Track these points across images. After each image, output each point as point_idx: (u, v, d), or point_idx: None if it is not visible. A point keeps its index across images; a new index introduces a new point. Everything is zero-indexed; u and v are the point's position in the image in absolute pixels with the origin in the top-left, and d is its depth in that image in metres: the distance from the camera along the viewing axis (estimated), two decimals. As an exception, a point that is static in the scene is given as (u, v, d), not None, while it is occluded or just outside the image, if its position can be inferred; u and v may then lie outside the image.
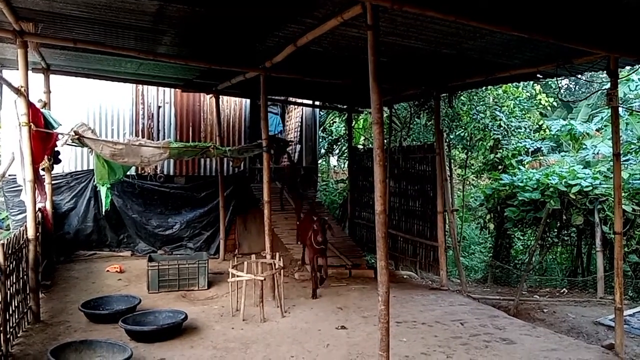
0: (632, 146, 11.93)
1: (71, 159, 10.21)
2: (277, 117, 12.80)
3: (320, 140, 15.97)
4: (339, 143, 17.70)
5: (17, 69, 6.30)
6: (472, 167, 16.21)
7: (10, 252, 5.37)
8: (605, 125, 13.47)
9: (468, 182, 17.46)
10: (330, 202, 15.98)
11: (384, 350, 4.53)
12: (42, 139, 6.75)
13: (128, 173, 9.21)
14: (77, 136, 6.90)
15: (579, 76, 7.78)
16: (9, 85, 6.07)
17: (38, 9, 5.55)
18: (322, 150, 17.44)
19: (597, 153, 12.88)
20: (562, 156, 14.25)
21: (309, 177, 12.49)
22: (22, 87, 6.13)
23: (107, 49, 6.88)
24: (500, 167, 13.48)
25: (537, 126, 14.89)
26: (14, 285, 5.60)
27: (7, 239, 5.47)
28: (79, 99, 10.18)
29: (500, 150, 13.54)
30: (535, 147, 14.81)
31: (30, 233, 6.23)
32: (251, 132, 11.62)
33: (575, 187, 9.35)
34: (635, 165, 11.02)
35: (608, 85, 6.38)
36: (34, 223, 6.32)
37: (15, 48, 6.20)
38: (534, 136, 14.81)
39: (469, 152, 14.81)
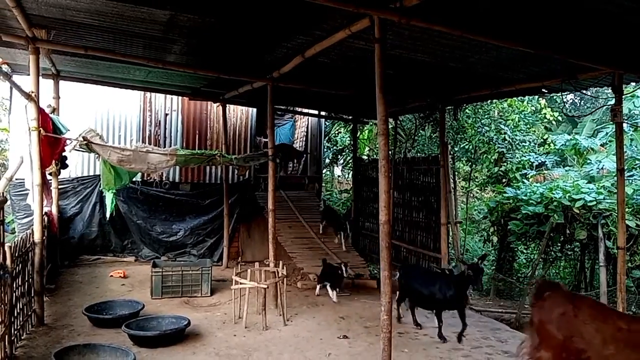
0: (637, 162, 11.91)
1: (78, 164, 10.29)
2: (288, 127, 12.83)
3: (325, 150, 16.03)
4: (344, 153, 17.75)
5: (28, 75, 6.40)
6: (476, 180, 16.21)
7: (17, 254, 5.42)
8: (609, 141, 13.48)
9: (472, 195, 17.44)
10: (334, 212, 15.99)
11: (386, 360, 4.55)
12: (51, 144, 6.84)
13: (134, 179, 9.29)
14: (85, 142, 6.97)
15: (584, 91, 7.84)
16: (20, 90, 6.16)
17: (51, 16, 5.65)
18: (327, 160, 17.48)
19: (602, 168, 12.86)
20: (566, 170, 14.22)
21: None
22: (32, 92, 6.22)
23: (117, 57, 6.99)
24: (504, 180, 13.49)
25: (542, 140, 14.90)
26: (20, 287, 5.65)
27: (15, 242, 5.53)
28: (88, 105, 10.29)
29: (505, 164, 13.56)
30: (540, 161, 14.81)
31: (37, 236, 6.29)
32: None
33: (579, 202, 9.34)
34: (640, 180, 11.01)
35: (613, 101, 6.42)
36: (41, 227, 6.38)
37: (27, 54, 6.30)
38: (538, 150, 14.82)
39: (473, 165, 14.82)
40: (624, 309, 5.99)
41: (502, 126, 13.19)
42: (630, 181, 10.79)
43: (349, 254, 10.42)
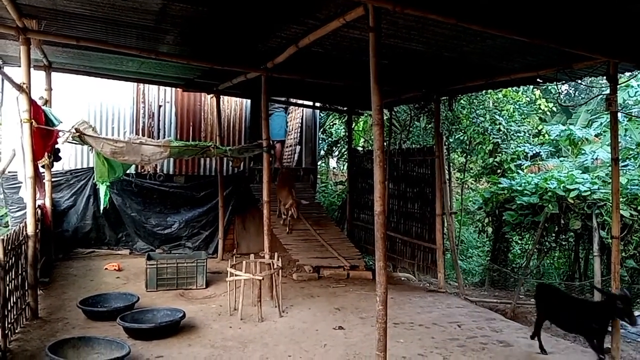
0: (631, 152, 11.95)
1: (71, 156, 10.22)
2: (284, 118, 12.69)
3: (320, 141, 16.00)
4: (339, 145, 17.73)
5: (20, 66, 6.32)
6: (471, 171, 16.24)
7: (10, 247, 5.38)
8: (604, 131, 13.50)
9: (467, 186, 17.48)
10: (329, 203, 15.99)
11: (382, 350, 4.55)
12: (43, 136, 6.78)
13: (127, 172, 9.23)
14: (78, 134, 6.90)
15: (579, 81, 7.82)
16: (11, 81, 6.09)
17: (41, 6, 5.57)
18: (322, 152, 17.46)
19: (596, 158, 12.90)
20: (560, 161, 14.26)
21: None
22: (24, 84, 6.14)
23: (109, 47, 6.91)
24: (499, 171, 13.51)
25: (537, 131, 14.93)
26: (13, 281, 5.61)
27: (7, 235, 5.48)
28: (80, 97, 10.20)
29: (500, 154, 13.57)
30: (534, 152, 14.86)
31: (30, 230, 6.23)
32: (251, 132, 11.64)
33: (573, 192, 9.36)
34: (634, 170, 11.04)
35: (607, 91, 6.40)
36: (34, 220, 6.32)
37: (18, 45, 6.21)
38: (533, 141, 14.84)
39: (468, 156, 14.84)
40: (618, 298, 6.00)
41: (497, 117, 13.19)
42: (625, 171, 10.83)
43: (344, 245, 10.44)
